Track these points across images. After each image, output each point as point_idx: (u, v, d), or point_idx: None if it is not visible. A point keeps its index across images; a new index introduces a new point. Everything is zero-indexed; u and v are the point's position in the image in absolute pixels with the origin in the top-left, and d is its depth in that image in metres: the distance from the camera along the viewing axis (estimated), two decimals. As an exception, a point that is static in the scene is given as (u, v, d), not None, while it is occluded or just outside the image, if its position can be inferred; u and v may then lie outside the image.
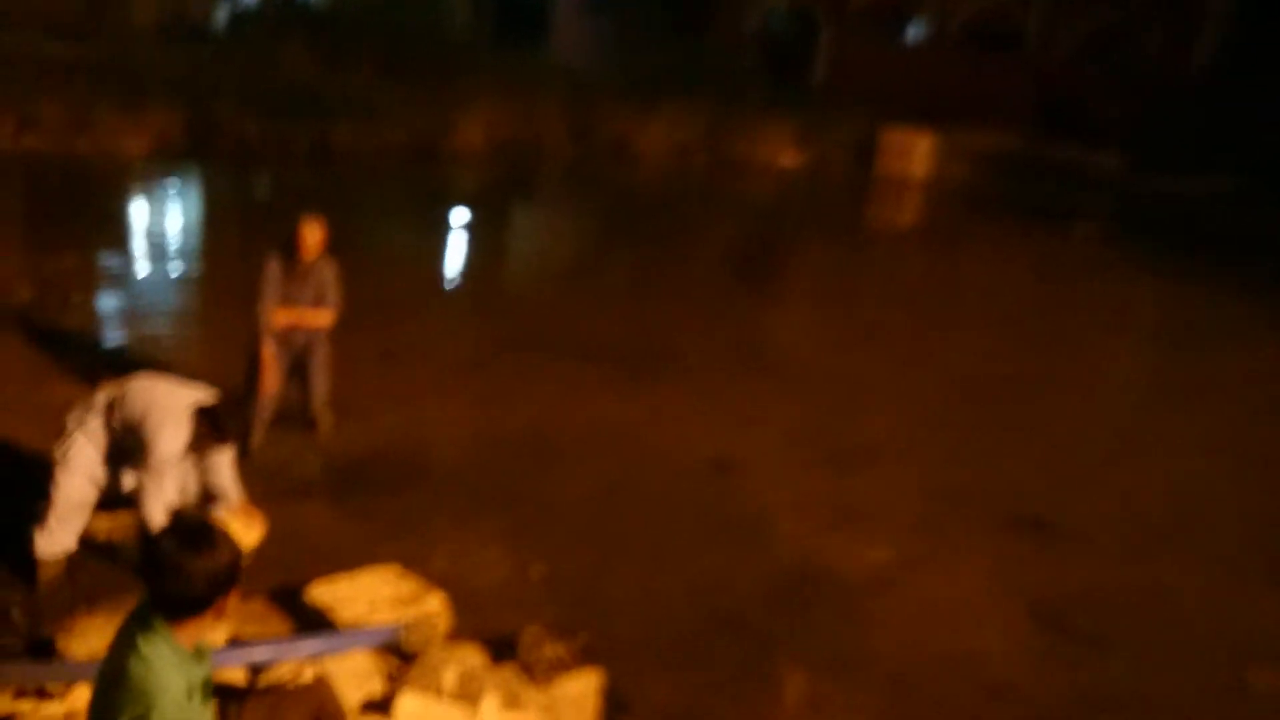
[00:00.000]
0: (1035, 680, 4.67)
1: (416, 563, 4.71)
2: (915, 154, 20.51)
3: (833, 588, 5.21)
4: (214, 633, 3.53)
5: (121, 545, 4.63)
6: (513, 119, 18.56)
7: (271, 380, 5.60)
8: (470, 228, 14.02)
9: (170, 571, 2.11)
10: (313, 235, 5.47)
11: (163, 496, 4.09)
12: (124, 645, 2.19)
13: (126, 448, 4.16)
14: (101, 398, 4.24)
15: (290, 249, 5.49)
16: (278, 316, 5.54)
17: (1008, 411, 8.19)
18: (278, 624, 4.15)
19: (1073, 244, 17.44)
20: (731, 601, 4.97)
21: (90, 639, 3.79)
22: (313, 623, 4.15)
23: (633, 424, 6.97)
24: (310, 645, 3.86)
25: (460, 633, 4.28)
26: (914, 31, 27.62)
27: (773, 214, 17.54)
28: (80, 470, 4.17)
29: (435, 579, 4.55)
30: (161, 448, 4.00)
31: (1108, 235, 18.35)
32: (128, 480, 4.26)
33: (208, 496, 4.46)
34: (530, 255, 12.91)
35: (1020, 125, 21.85)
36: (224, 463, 4.35)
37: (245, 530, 4.33)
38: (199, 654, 2.27)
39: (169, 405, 4.06)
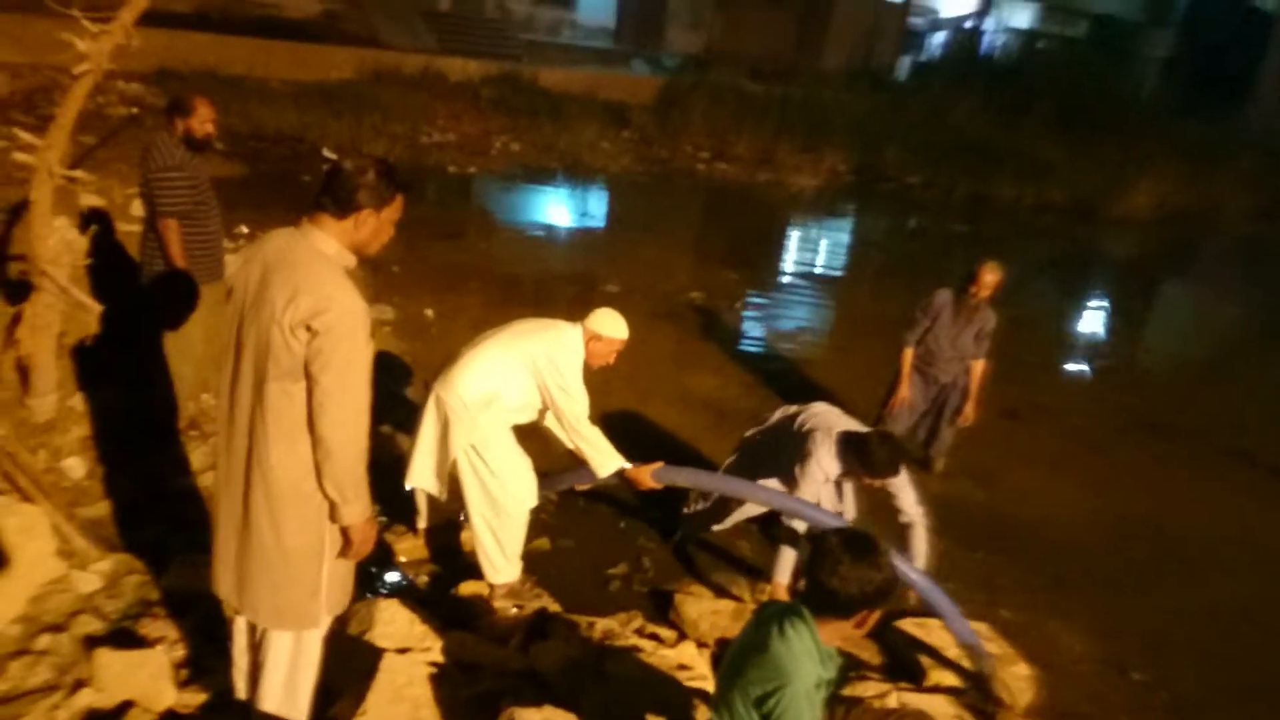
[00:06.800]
0: None
1: (985, 620, 4.57)
2: None
3: None
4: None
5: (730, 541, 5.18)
6: (1189, 187, 16.99)
7: (904, 391, 5.83)
8: (1117, 294, 13.14)
9: (829, 567, 2.32)
10: (991, 274, 5.59)
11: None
12: (769, 623, 2.44)
13: (784, 462, 4.45)
14: (781, 411, 4.70)
15: (965, 286, 5.68)
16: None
17: None
18: (868, 649, 4.31)
19: None
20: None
21: (700, 604, 4.37)
22: (899, 650, 4.30)
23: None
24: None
25: (1036, 710, 4.09)
26: None
27: None
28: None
29: (1009, 643, 4.41)
30: (810, 464, 4.25)
31: None
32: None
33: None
34: (1178, 332, 11.70)
35: None
36: (898, 487, 4.36)
37: None
38: (831, 656, 2.44)
39: (831, 428, 4.32)
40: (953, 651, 4.23)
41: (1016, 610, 4.88)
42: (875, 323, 8.33)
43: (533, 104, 16.04)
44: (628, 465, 4.05)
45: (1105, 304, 12.67)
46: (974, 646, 4.09)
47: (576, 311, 4.28)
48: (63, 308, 4.49)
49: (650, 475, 4.07)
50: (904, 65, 25.89)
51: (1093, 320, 11.81)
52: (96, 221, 5.99)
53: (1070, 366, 9.63)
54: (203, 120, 4.60)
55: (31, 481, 3.87)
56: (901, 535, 4.37)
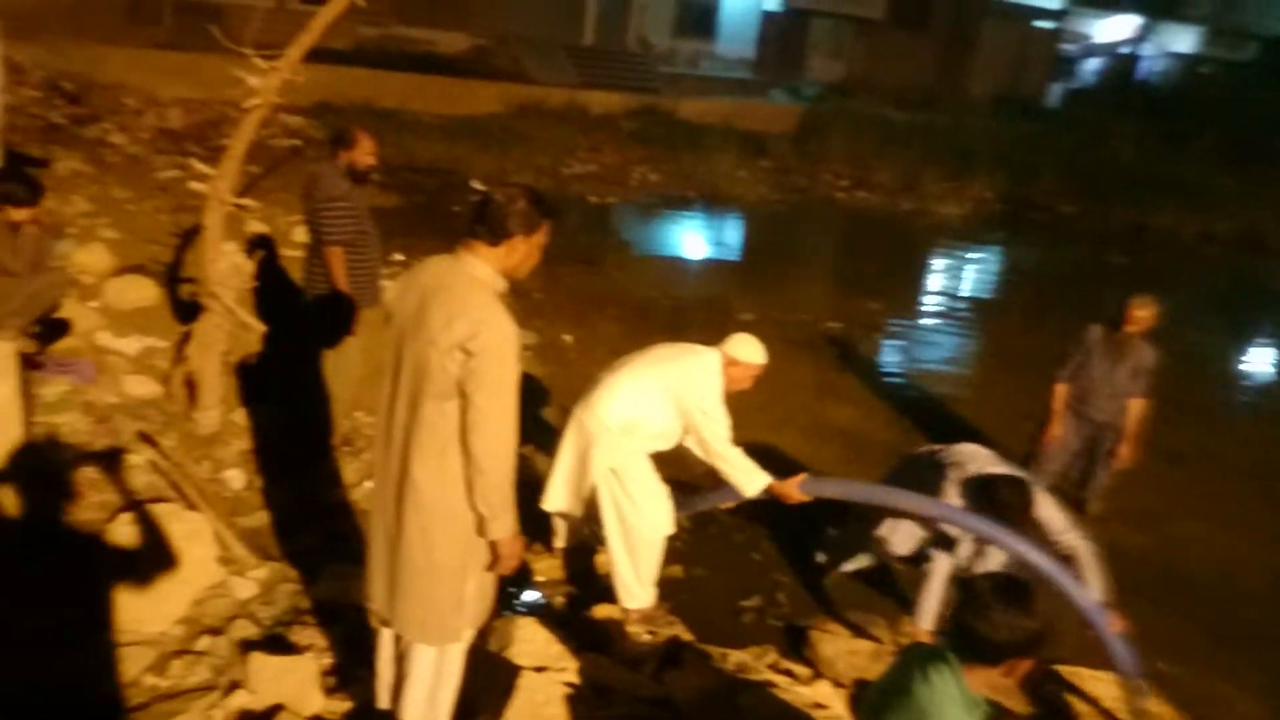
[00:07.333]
0: None
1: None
2: None
3: None
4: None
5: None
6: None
7: (1056, 429, 5.57)
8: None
9: (977, 611, 2.21)
10: (1141, 309, 5.32)
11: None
12: (913, 666, 2.34)
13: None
14: (928, 448, 4.57)
15: (1116, 321, 5.43)
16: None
17: None
18: (1017, 699, 4.12)
19: None
20: None
21: (837, 642, 4.25)
22: (1052, 699, 4.08)
23: None
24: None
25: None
26: None
27: None
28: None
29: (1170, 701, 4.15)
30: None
31: None
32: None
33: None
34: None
35: None
36: (1047, 520, 4.09)
37: None
38: (978, 704, 2.30)
39: (965, 466, 4.15)
40: (1109, 702, 4.00)
41: (1178, 666, 4.57)
42: (1025, 357, 8.01)
43: (671, 135, 16.21)
44: (772, 480, 3.99)
45: (1277, 341, 11.86)
46: (1134, 681, 3.85)
47: (711, 338, 4.27)
48: (229, 327, 4.75)
49: (797, 488, 3.98)
50: (1054, 92, 25.07)
51: (1264, 359, 11.06)
52: (262, 247, 6.36)
53: (1238, 408, 9.03)
54: (365, 153, 4.79)
55: (196, 490, 4.10)
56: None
